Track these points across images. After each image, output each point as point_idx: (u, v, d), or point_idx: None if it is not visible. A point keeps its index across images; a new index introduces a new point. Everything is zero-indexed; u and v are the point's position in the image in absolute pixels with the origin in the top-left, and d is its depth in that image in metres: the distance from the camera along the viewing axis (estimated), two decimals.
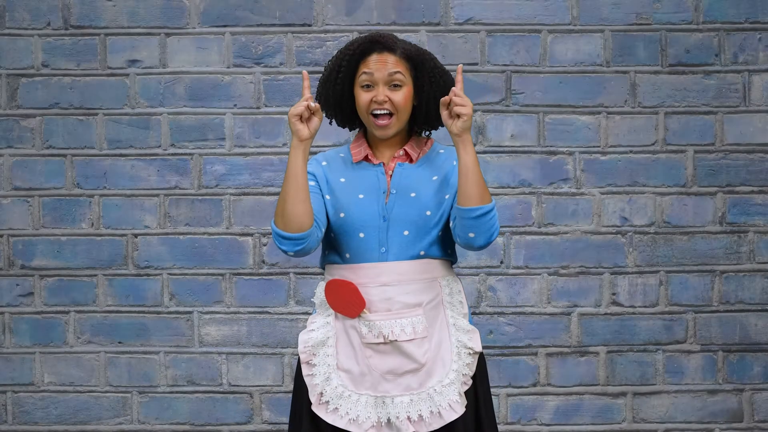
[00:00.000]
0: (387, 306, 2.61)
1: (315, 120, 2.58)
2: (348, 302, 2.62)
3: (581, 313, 3.97)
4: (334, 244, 2.69)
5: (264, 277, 3.97)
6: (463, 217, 2.55)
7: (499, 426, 3.92)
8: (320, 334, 2.65)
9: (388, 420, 2.60)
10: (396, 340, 2.60)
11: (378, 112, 2.63)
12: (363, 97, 2.64)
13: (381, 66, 2.62)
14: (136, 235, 3.97)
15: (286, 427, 3.93)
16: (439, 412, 2.60)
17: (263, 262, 3.96)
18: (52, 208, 3.98)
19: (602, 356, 3.96)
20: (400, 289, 2.62)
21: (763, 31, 3.96)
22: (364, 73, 2.63)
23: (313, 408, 2.62)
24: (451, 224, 2.64)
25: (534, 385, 3.97)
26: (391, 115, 2.64)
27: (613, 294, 3.97)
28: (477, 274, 3.95)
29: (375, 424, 2.60)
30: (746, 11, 3.96)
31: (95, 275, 3.97)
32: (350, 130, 2.83)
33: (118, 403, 3.98)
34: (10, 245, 3.98)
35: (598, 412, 3.97)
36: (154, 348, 3.98)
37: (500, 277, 3.96)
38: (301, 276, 3.96)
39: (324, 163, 2.73)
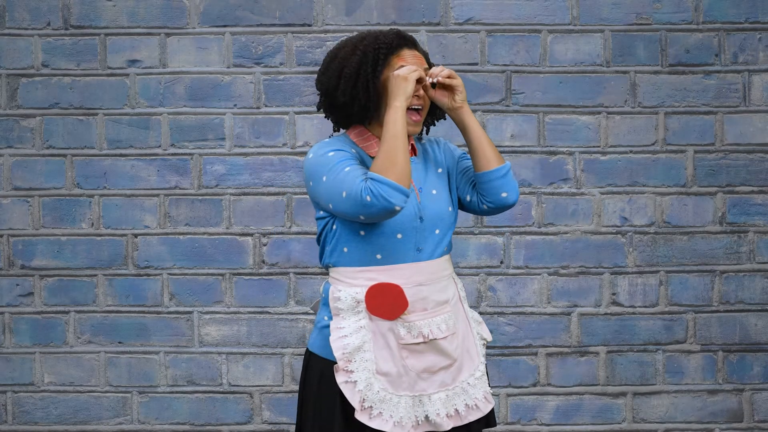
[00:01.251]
0: (423, 306, 2.61)
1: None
2: (390, 305, 2.58)
3: (581, 313, 3.97)
4: (363, 244, 2.60)
5: (264, 277, 3.97)
6: (491, 180, 2.63)
7: (499, 426, 3.93)
8: (356, 339, 2.58)
9: (426, 417, 2.61)
10: (435, 339, 2.60)
11: (416, 107, 2.63)
12: None
13: (418, 61, 2.64)
14: (136, 235, 3.97)
15: (286, 427, 3.93)
16: (476, 405, 2.65)
17: (263, 262, 3.96)
18: (52, 208, 3.98)
19: (602, 356, 3.96)
20: (432, 287, 2.62)
21: (763, 31, 3.96)
22: (404, 66, 2.60)
23: (357, 415, 2.55)
24: (468, 198, 2.69)
25: (534, 385, 3.97)
26: (419, 111, 2.65)
27: (613, 294, 3.97)
28: (477, 274, 3.95)
29: (413, 423, 2.60)
30: (746, 11, 3.96)
31: (95, 275, 3.97)
32: (345, 129, 2.74)
33: (118, 403, 3.98)
34: (10, 245, 3.98)
35: (598, 412, 3.97)
36: (154, 348, 3.98)
37: (500, 277, 3.96)
38: (301, 276, 3.96)
39: (353, 151, 2.65)
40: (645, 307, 3.97)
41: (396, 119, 2.52)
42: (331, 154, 2.57)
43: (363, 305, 2.59)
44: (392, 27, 2.80)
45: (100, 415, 3.99)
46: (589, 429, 3.97)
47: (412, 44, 2.67)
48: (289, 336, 3.96)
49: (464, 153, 2.79)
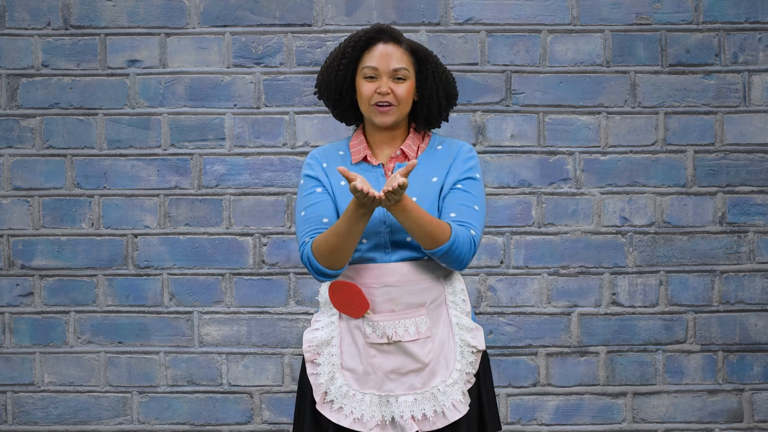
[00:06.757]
0: (390, 307, 2.61)
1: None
2: (352, 303, 2.61)
3: (581, 313, 3.97)
4: None
5: (264, 277, 3.97)
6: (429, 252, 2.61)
7: None
8: (324, 334, 2.65)
9: (392, 419, 2.61)
10: (400, 341, 2.60)
11: (381, 103, 2.64)
12: (366, 87, 2.64)
13: (386, 59, 2.63)
14: (136, 235, 3.98)
15: (286, 427, 3.94)
16: (443, 412, 2.61)
17: (263, 262, 3.96)
18: (52, 208, 3.98)
19: (602, 356, 3.96)
20: (403, 289, 2.62)
21: (763, 31, 3.96)
22: (368, 66, 2.64)
23: (318, 407, 2.62)
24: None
25: (534, 385, 3.97)
26: (388, 105, 2.65)
27: (613, 294, 3.97)
28: (477, 274, 3.95)
29: (379, 423, 2.61)
30: (746, 11, 3.96)
31: (95, 275, 3.98)
32: (347, 125, 2.82)
33: (118, 403, 3.98)
34: (10, 245, 3.98)
35: (598, 412, 3.97)
36: (154, 348, 3.98)
37: (500, 277, 3.96)
38: (301, 276, 3.96)
39: (324, 165, 2.71)
40: (645, 307, 3.97)
41: (352, 219, 2.52)
42: (302, 181, 2.71)
43: None
44: (376, 24, 2.77)
45: (100, 415, 3.99)
46: (589, 429, 3.97)
47: (391, 39, 2.66)
48: (289, 336, 3.96)
49: (464, 180, 2.68)
